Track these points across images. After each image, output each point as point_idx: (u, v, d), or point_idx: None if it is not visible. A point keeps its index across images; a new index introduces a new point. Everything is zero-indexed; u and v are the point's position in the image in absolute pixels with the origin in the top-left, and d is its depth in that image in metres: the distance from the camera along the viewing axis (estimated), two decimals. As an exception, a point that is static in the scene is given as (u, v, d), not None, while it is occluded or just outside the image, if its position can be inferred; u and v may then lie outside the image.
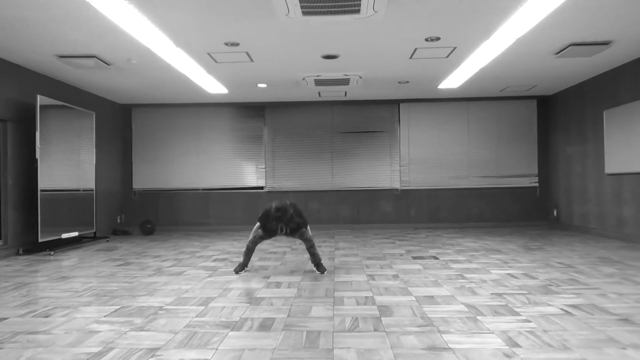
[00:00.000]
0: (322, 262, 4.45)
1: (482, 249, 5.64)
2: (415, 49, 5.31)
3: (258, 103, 8.43)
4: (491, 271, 4.21)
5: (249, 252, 4.28)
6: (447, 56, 5.59)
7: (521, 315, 2.84)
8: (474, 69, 6.15)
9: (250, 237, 4.26)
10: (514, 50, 5.35)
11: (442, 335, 2.49)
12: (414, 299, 3.25)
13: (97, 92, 7.53)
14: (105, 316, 2.93)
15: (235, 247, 6.08)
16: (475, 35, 4.85)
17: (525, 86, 7.40)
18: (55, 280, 4.10)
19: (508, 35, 4.78)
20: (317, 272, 4.21)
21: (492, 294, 3.37)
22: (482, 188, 8.30)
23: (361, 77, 6.54)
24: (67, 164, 6.47)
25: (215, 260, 5.10)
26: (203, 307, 3.11)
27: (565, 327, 2.60)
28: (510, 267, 4.42)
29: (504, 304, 3.10)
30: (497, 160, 8.31)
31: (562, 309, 2.95)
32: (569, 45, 5.20)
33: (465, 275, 4.05)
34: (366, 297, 3.32)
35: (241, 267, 4.27)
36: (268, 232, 4.17)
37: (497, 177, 8.30)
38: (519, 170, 8.29)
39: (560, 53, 5.43)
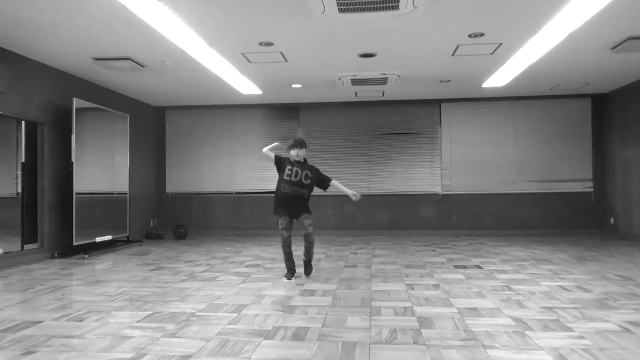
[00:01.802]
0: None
1: (530, 258, 5.51)
2: (458, 46, 5.23)
3: (292, 104, 8.50)
4: (541, 283, 4.10)
5: (287, 256, 4.35)
6: (492, 53, 5.48)
7: (574, 331, 2.74)
8: (521, 67, 6.01)
9: (281, 241, 4.33)
10: (565, 46, 5.19)
11: (487, 351, 2.43)
12: (456, 310, 3.20)
13: (132, 95, 7.78)
14: (137, 321, 3.01)
15: (268, 253, 6.14)
16: (522, 30, 4.73)
17: (578, 84, 7.16)
18: (89, 284, 4.25)
19: (559, 30, 4.64)
20: (304, 272, 4.42)
21: (541, 307, 3.28)
22: (531, 193, 8.09)
23: (400, 76, 6.50)
24: (102, 167, 6.71)
25: (248, 266, 5.17)
26: (235, 315, 3.15)
27: (623, 346, 2.49)
28: (562, 278, 4.29)
29: (554, 318, 3.00)
30: (547, 163, 8.08)
31: (620, 326, 2.83)
32: (627, 39, 5.00)
33: (512, 286, 3.96)
34: (405, 307, 3.29)
35: (290, 273, 4.36)
36: (281, 170, 4.31)
37: (547, 181, 8.06)
38: (571, 174, 8.03)
39: (617, 48, 5.23)
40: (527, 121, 8.15)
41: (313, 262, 4.79)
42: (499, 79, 6.70)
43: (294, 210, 4.27)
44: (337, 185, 4.45)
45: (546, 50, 5.32)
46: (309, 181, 4.31)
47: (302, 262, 4.48)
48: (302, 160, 4.36)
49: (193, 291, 3.88)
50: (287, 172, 4.29)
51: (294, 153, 4.32)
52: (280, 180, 4.32)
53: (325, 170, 4.48)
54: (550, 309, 3.23)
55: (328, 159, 8.36)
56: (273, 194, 4.41)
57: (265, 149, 4.41)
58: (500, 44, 5.18)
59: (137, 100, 8.13)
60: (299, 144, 4.35)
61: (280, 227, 4.30)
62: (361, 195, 8.35)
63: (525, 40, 5.06)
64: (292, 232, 4.30)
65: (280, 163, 4.38)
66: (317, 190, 4.47)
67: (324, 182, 4.40)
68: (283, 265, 5.06)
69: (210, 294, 3.76)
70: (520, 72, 6.37)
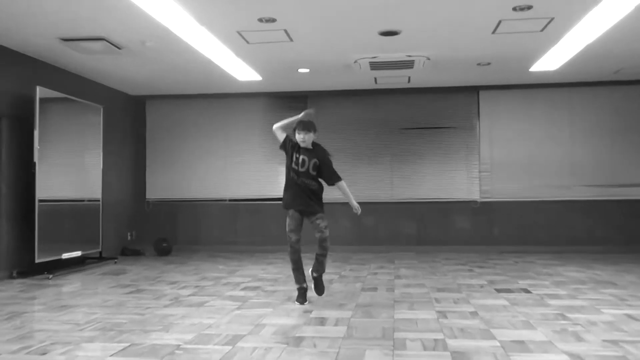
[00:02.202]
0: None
1: (590, 280, 5.46)
2: (500, 21, 5.21)
3: (299, 92, 8.53)
4: (603, 310, 4.05)
5: (296, 266, 4.35)
6: (542, 30, 5.45)
7: (645, 370, 2.71)
8: (577, 46, 5.97)
9: (289, 246, 4.34)
10: (633, 19, 5.14)
11: (537, 394, 2.41)
12: (498, 344, 3.17)
13: (106, 82, 7.85)
14: (111, 355, 3.02)
15: (269, 273, 6.14)
16: (579, 1, 4.70)
17: (649, 67, 7.11)
18: (54, 309, 4.27)
19: (625, 1, 4.60)
20: (314, 291, 4.42)
21: (604, 340, 3.24)
22: (590, 200, 8.03)
23: (429, 59, 6.49)
24: (70, 169, 6.77)
25: (244, 288, 5.16)
26: (230, 347, 3.15)
27: None
28: (629, 305, 4.24)
29: (620, 354, 2.96)
30: (610, 165, 8.01)
31: (702, 364, 2.78)
32: None
33: (568, 315, 3.92)
34: (435, 340, 3.27)
35: (302, 296, 4.36)
36: (288, 156, 4.37)
37: (610, 186, 7.99)
38: (640, 178, 7.97)
39: (697, 22, 5.17)
40: (585, 113, 8.10)
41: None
42: (550, 61, 6.66)
43: (304, 206, 4.29)
44: (344, 189, 4.45)
45: (609, 25, 5.27)
46: (315, 172, 4.35)
47: (312, 279, 4.46)
48: (311, 146, 4.38)
49: (178, 319, 3.89)
50: (294, 161, 4.34)
51: (299, 138, 4.34)
52: (289, 167, 4.38)
53: (338, 172, 4.47)
54: (615, 342, 3.19)
55: (342, 159, 8.34)
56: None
57: (276, 126, 4.47)
58: (552, 19, 5.15)
59: (112, 89, 8.20)
60: (306, 126, 4.36)
61: (287, 229, 4.31)
62: (383, 202, 8.39)
63: (583, 14, 5.03)
64: (301, 236, 4.31)
65: (286, 148, 4.41)
66: (329, 196, 4.48)
67: (331, 178, 4.40)
68: (287, 287, 5.05)
69: (199, 323, 3.76)
70: (577, 53, 6.33)
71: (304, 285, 4.41)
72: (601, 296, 4.61)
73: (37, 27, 5.33)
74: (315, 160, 4.33)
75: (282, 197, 4.43)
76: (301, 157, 4.33)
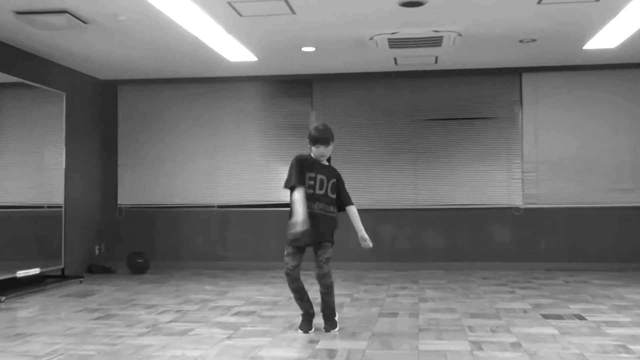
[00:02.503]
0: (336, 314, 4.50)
1: (657, 304, 5.43)
2: (547, -11, 5.20)
3: (302, 76, 8.54)
4: (673, 341, 4.03)
5: (298, 295, 4.34)
6: (599, -2, 5.44)
7: None
8: (642, 18, 5.94)
9: (285, 274, 4.32)
10: None
11: None
12: (546, 382, 3.16)
13: (70, 64, 7.88)
14: (76, 394, 3.02)
15: (266, 295, 6.14)
16: (644, -37, 4.68)
17: None
18: (7, 338, 4.27)
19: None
20: (324, 326, 4.36)
21: (675, 378, 3.21)
22: (658, 207, 8.01)
23: (460, 34, 6.48)
24: (26, 168, 6.78)
25: (237, 313, 5.16)
26: (218, 385, 3.15)
27: None
28: None
29: (695, 395, 2.94)
30: (682, 163, 7.99)
31: None
32: None
33: (630, 346, 3.89)
34: (469, 377, 3.26)
35: (307, 323, 4.36)
36: (303, 170, 4.25)
37: (682, 189, 7.97)
38: None
39: None
40: (653, 100, 8.08)
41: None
42: (608, 37, 6.65)
43: (316, 235, 4.24)
44: (355, 214, 4.42)
45: (680, -7, 5.25)
46: (334, 195, 4.32)
47: (320, 311, 4.45)
48: (326, 161, 4.37)
49: (157, 350, 3.88)
50: (308, 183, 4.24)
51: (318, 152, 4.28)
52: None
53: (351, 175, 4.50)
54: (689, 380, 3.17)
55: (354, 157, 8.35)
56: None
57: (297, 199, 4.19)
58: (611, -14, 5.13)
59: (77, 72, 8.23)
60: (324, 137, 4.26)
61: (285, 251, 4.30)
62: (405, 209, 8.37)
63: (648, -20, 5.00)
64: (301, 262, 4.29)
65: (303, 167, 4.28)
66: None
67: (346, 201, 4.40)
68: (287, 312, 5.06)
69: (182, 355, 3.75)
70: (641, 27, 6.31)
71: (311, 311, 4.40)
72: (672, 324, 4.59)
73: (-13, -2, 5.35)
74: (334, 180, 4.31)
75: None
76: (318, 176, 4.26)
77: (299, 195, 4.16)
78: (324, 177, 4.27)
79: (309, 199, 4.22)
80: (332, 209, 4.31)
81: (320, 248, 4.28)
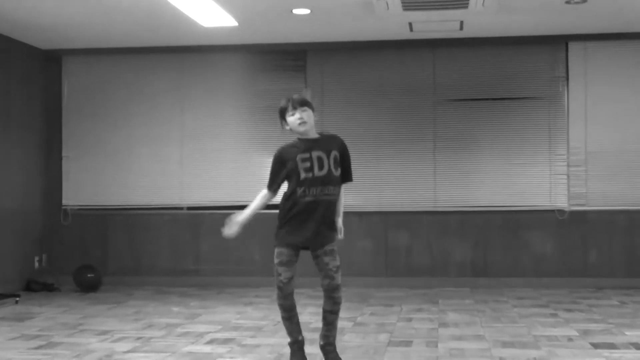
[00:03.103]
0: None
1: None
2: (600, -63, 5.22)
3: (294, 46, 8.54)
4: None
5: (288, 316, 4.29)
6: (664, -51, 5.46)
7: None
8: None
9: (276, 287, 4.30)
10: None
11: None
12: None
13: (4, 30, 7.85)
14: None
15: (248, 319, 6.15)
16: None
17: None
18: None
19: None
20: (325, 356, 4.27)
21: None
22: None
23: (492, -7, 6.50)
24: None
25: (211, 341, 5.17)
26: None
27: None
28: None
29: None
30: None
31: None
32: None
33: (701, 382, 3.92)
34: (500, 420, 3.29)
35: (299, 354, 4.30)
36: (293, 172, 4.21)
37: None
38: None
39: None
40: None
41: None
42: (676, -3, 6.66)
43: (318, 233, 4.21)
44: (340, 195, 4.39)
45: None
46: (339, 169, 4.26)
47: (320, 348, 4.39)
48: (316, 134, 4.33)
49: (111, 387, 3.91)
50: (302, 166, 4.19)
51: (295, 118, 4.26)
52: (296, 186, 4.23)
53: (353, 168, 4.46)
54: None
55: (358, 146, 8.29)
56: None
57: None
58: None
59: (12, 40, 8.19)
60: (301, 101, 4.28)
61: (276, 260, 4.23)
62: (422, 212, 8.40)
63: None
64: (296, 273, 4.27)
65: (285, 164, 4.27)
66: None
67: (349, 177, 4.38)
68: (275, 340, 5.08)
69: (143, 393, 3.78)
70: None
71: (300, 337, 4.39)
72: None
73: None
74: (334, 152, 4.25)
75: (269, 177, 4.33)
76: (314, 154, 4.20)
77: (260, 199, 4.33)
78: (321, 154, 4.20)
79: (310, 185, 4.13)
80: (335, 189, 4.23)
81: (328, 254, 4.18)
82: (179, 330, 5.66)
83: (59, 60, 8.86)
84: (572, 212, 8.22)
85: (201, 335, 5.43)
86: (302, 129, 4.21)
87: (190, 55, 8.68)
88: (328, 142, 4.29)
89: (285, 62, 8.58)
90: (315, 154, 4.17)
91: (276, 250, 4.22)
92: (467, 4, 6.70)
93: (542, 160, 8.27)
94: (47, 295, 7.90)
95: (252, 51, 8.62)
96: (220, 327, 5.78)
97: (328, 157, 4.19)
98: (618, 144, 8.19)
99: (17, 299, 7.33)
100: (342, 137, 4.41)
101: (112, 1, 6.74)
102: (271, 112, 8.42)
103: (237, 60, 8.65)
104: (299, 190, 4.14)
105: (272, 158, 4.33)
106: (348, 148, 4.38)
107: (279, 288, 4.21)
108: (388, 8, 6.80)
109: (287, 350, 4.46)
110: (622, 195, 8.15)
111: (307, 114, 4.22)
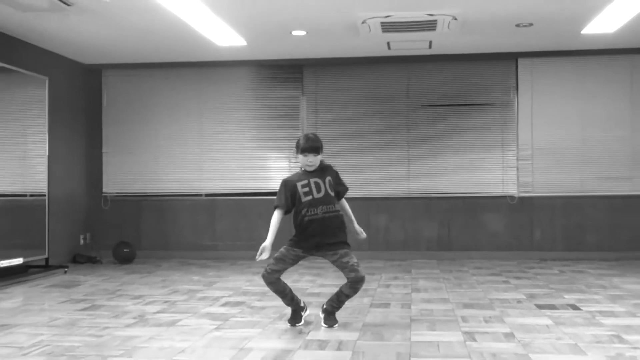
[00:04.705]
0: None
1: (653, 294, 5.48)
2: (544, -28, 5.21)
3: (293, 61, 8.52)
4: (669, 331, 4.08)
5: (282, 295, 4.31)
6: (597, -18, 5.45)
7: None
8: (641, 2, 5.96)
9: (261, 275, 4.31)
10: None
11: None
12: (539, 372, 3.20)
13: (53, 48, 7.83)
14: (61, 385, 3.05)
15: (256, 285, 6.17)
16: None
17: None
18: (-10, 329, 4.30)
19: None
20: (323, 323, 4.28)
21: (669, 368, 3.27)
22: (656, 195, 8.07)
23: (455, 18, 6.48)
24: (8, 156, 6.77)
25: (225, 304, 5.20)
26: (207, 377, 3.18)
27: None
28: (702, 325, 4.26)
29: (689, 385, 2.99)
30: (681, 151, 8.05)
31: None
32: None
33: (625, 336, 3.93)
34: (461, 367, 3.30)
35: (296, 315, 4.34)
36: (297, 198, 4.24)
37: (681, 177, 8.04)
38: None
39: None
40: (651, 86, 8.11)
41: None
42: (607, 21, 6.65)
43: (321, 243, 4.21)
44: (345, 206, 4.46)
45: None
46: (334, 192, 4.30)
47: (322, 310, 4.40)
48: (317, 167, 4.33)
49: (144, 341, 3.91)
50: (303, 191, 4.23)
51: (307, 161, 4.25)
52: (300, 208, 4.24)
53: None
54: (683, 370, 3.22)
55: (346, 144, 8.36)
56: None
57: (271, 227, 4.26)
58: (609, -31, 5.15)
59: (60, 56, 8.18)
60: (314, 146, 4.23)
61: (276, 254, 4.22)
62: (398, 197, 8.41)
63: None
64: (283, 271, 4.27)
65: (288, 189, 4.27)
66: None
67: (340, 193, 4.39)
68: (278, 302, 5.07)
69: (170, 347, 3.78)
70: (640, 11, 6.34)
71: (301, 304, 4.40)
72: (667, 314, 4.64)
73: (-34, -21, 5.33)
74: (328, 177, 4.29)
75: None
76: (312, 180, 4.25)
77: (274, 218, 4.22)
78: (318, 180, 4.25)
79: (311, 205, 4.18)
80: (337, 207, 4.29)
81: (344, 255, 4.20)
82: (199, 295, 5.68)
83: (99, 73, 8.84)
84: (521, 198, 8.25)
85: (217, 299, 5.46)
86: (309, 169, 4.30)
87: (207, 69, 8.66)
88: (323, 171, 4.33)
89: (286, 75, 8.57)
90: (312, 180, 4.25)
91: (281, 248, 4.29)
92: (435, 27, 6.70)
93: (496, 155, 8.29)
94: (90, 266, 7.91)
95: (258, 65, 8.59)
96: (232, 292, 5.81)
97: (324, 181, 4.27)
98: (558, 142, 8.21)
99: (66, 269, 7.35)
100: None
101: (143, 24, 6.72)
102: (274, 116, 8.55)
103: (246, 73, 8.63)
104: (303, 211, 4.20)
105: (280, 183, 4.34)
106: (338, 171, 4.43)
107: (262, 276, 4.28)
108: (370, 30, 6.81)
109: (289, 310, 4.48)
110: (561, 184, 8.19)
111: (316, 159, 4.28)
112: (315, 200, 4.20)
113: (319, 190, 4.23)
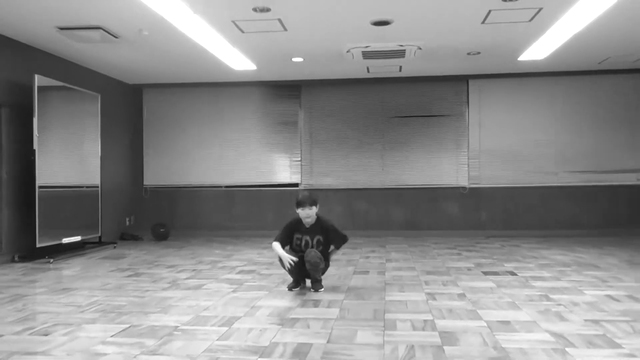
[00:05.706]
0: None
1: (573, 263, 5.51)
2: (490, 11, 5.21)
3: (293, 81, 8.50)
4: (585, 292, 4.10)
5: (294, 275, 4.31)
6: (531, 20, 5.45)
7: (624, 347, 2.76)
8: (565, 36, 5.97)
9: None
10: (619, 9, 5.15)
11: (521, 371, 2.45)
12: (485, 324, 3.22)
13: (103, 71, 7.80)
14: (112, 336, 3.05)
15: (264, 257, 6.17)
16: (566, -8, 4.70)
17: (633, 56, 7.12)
18: (56, 292, 4.29)
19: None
20: (311, 287, 4.25)
21: (585, 320, 3.29)
22: (575, 186, 8.09)
23: (420, 48, 6.48)
24: (69, 156, 6.75)
25: (240, 272, 5.20)
26: (226, 329, 3.18)
27: (682, 366, 2.50)
28: (610, 286, 4.29)
29: (601, 333, 3.01)
30: (594, 152, 8.06)
31: (678, 342, 2.84)
32: (692, 3, 4.96)
33: (551, 296, 3.97)
34: (425, 320, 3.31)
35: (294, 283, 4.31)
36: (290, 233, 4.30)
37: (594, 172, 8.05)
38: (622, 164, 8.00)
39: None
40: (572, 101, 8.11)
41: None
42: (538, 50, 6.67)
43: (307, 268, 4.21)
44: (335, 250, 4.43)
45: (596, 15, 5.28)
46: (320, 247, 4.27)
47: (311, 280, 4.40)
48: (314, 221, 4.28)
49: (176, 301, 3.92)
50: (296, 242, 4.31)
51: (304, 214, 4.23)
52: (292, 245, 4.33)
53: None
54: (596, 322, 3.24)
55: (334, 146, 8.36)
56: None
57: (277, 249, 4.20)
58: (541, 9, 5.15)
59: (109, 78, 8.15)
60: (307, 201, 4.20)
61: (287, 266, 4.15)
62: (374, 188, 8.39)
63: (570, 4, 5.03)
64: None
65: (290, 237, 4.31)
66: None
67: (340, 241, 4.32)
68: (281, 271, 5.08)
69: (197, 305, 3.79)
70: (564, 43, 6.33)
71: (301, 281, 4.39)
72: (584, 278, 4.66)
73: (35, 16, 5.28)
74: (318, 237, 4.26)
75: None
76: (303, 237, 4.27)
77: (276, 246, 4.19)
78: (308, 238, 4.27)
79: (298, 250, 4.27)
80: (318, 253, 4.18)
81: (335, 233, 4.29)
82: (220, 264, 5.67)
83: (141, 91, 8.79)
84: (471, 188, 8.27)
85: (234, 267, 5.45)
86: (306, 221, 4.28)
87: (225, 87, 8.62)
88: (315, 229, 4.28)
89: (287, 92, 8.54)
90: (305, 237, 4.28)
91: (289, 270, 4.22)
92: (404, 55, 6.71)
93: (452, 155, 8.29)
94: (134, 243, 7.89)
95: (265, 85, 8.56)
96: (246, 262, 5.80)
97: (312, 240, 4.27)
98: (501, 145, 8.22)
99: (115, 245, 7.33)
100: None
101: (176, 52, 6.69)
102: (277, 125, 8.55)
103: (255, 91, 8.60)
104: (294, 245, 4.30)
105: (286, 222, 4.37)
106: (331, 224, 4.33)
107: (288, 271, 4.23)
108: (353, 58, 6.80)
109: (289, 279, 4.48)
110: (502, 177, 8.21)
111: (312, 211, 4.24)
112: (302, 249, 4.27)
113: (306, 246, 4.26)
